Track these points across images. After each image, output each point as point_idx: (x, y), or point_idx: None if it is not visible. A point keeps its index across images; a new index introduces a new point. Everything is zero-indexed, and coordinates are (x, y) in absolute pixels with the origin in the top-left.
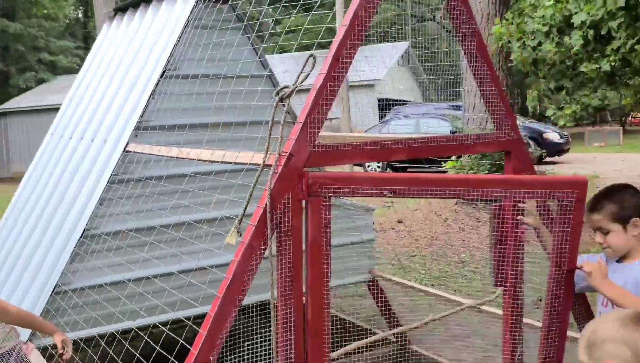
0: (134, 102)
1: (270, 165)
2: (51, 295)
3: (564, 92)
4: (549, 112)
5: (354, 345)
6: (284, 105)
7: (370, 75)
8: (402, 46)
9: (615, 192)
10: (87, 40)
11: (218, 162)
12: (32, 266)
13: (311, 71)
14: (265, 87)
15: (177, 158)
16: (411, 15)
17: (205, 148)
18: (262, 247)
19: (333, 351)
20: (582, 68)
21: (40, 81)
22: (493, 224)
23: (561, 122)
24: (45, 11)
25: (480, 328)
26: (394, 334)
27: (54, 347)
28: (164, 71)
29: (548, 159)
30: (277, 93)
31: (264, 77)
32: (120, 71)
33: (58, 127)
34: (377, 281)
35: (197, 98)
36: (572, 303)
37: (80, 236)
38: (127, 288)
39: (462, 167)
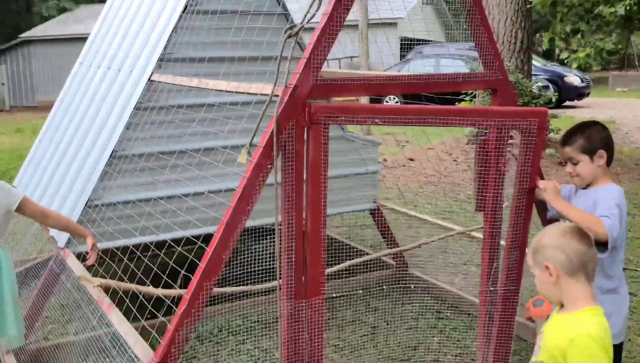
0: (157, 35)
1: (278, 95)
2: (84, 207)
3: (579, 36)
4: (563, 55)
5: (347, 262)
6: (291, 42)
7: (392, 13)
8: None
9: (585, 128)
10: None
11: (233, 92)
12: (67, 182)
13: (317, 11)
14: (278, 24)
15: (196, 88)
16: None
17: (221, 80)
18: (269, 166)
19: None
20: (599, 11)
21: (63, 10)
22: (477, 154)
23: (574, 65)
24: None
25: (476, 257)
26: (393, 258)
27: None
28: (186, 6)
29: (568, 103)
30: (286, 31)
31: (275, 15)
32: (144, 4)
33: (87, 56)
34: (380, 210)
35: (216, 33)
36: (531, 217)
37: (110, 157)
38: (151, 204)
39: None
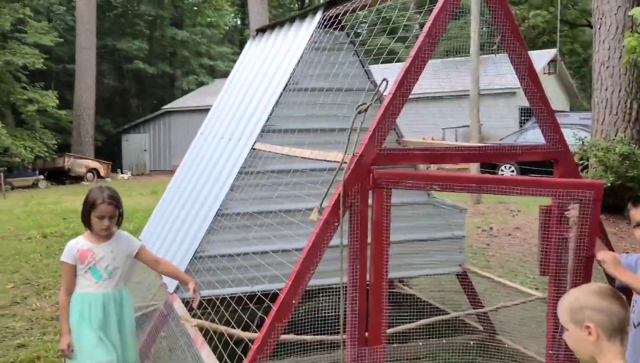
0: (262, 109)
1: (347, 162)
2: (192, 258)
3: None
4: None
5: (425, 320)
6: (361, 117)
7: (510, 83)
8: (549, 53)
9: None
10: (242, 46)
11: (314, 159)
12: (180, 236)
13: (385, 90)
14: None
15: (286, 155)
16: (561, 20)
17: (306, 149)
18: (336, 223)
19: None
20: None
21: (201, 84)
22: (540, 222)
23: None
24: (208, 19)
25: None
26: (481, 323)
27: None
28: (286, 85)
29: None
30: (357, 107)
31: (365, 90)
32: (254, 82)
33: (206, 127)
34: (467, 275)
35: (309, 107)
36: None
37: (215, 215)
38: (249, 258)
39: None
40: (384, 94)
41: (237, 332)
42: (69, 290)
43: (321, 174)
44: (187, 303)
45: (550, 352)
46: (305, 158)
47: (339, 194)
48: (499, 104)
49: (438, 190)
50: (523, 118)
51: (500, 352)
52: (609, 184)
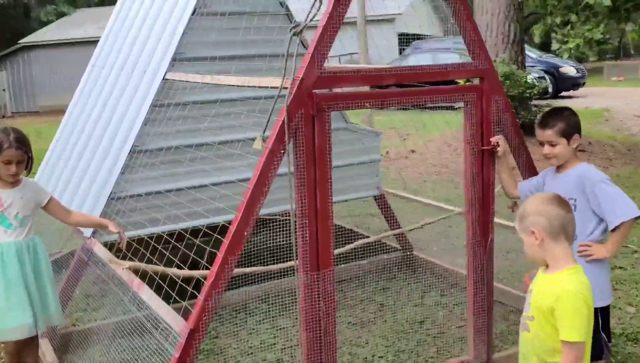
0: (169, 36)
1: (287, 88)
2: (108, 199)
3: (569, 27)
4: (554, 46)
5: (354, 244)
6: (296, 39)
7: (390, 9)
8: None
9: (563, 112)
10: None
11: (244, 87)
12: (87, 178)
13: (318, 10)
14: (283, 24)
15: (211, 84)
16: None
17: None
18: (281, 151)
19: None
20: (587, 2)
21: (61, 15)
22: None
23: (565, 56)
24: None
25: None
26: (398, 242)
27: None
28: (195, 9)
29: (564, 93)
30: (291, 29)
31: (281, 15)
32: (154, 7)
33: (98, 59)
34: (384, 197)
35: (225, 33)
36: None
37: (130, 151)
38: (172, 195)
39: None
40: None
41: (180, 272)
42: None
43: (245, 103)
44: (111, 246)
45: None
46: (232, 86)
47: (283, 121)
48: (382, 31)
49: (369, 107)
50: (402, 46)
51: (419, 266)
52: None
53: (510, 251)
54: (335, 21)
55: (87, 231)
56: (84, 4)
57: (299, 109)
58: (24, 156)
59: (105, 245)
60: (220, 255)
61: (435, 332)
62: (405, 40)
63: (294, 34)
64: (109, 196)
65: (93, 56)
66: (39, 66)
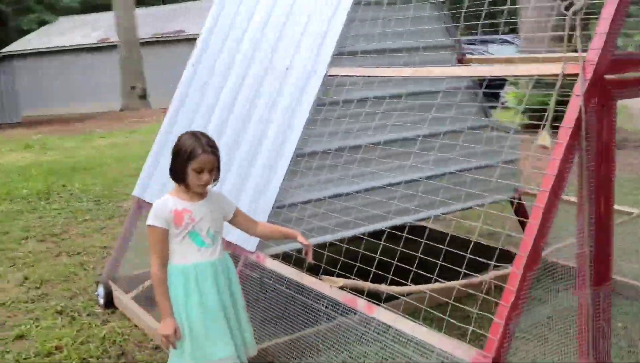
0: (324, 29)
1: (571, 74)
2: (272, 209)
3: None
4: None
5: None
6: (576, 18)
7: None
8: None
9: None
10: None
11: (423, 81)
12: (249, 186)
13: None
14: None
15: (393, 77)
16: None
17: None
18: (577, 147)
19: None
20: None
21: (43, 23)
22: None
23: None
24: None
25: None
26: None
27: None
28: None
29: None
30: (567, 8)
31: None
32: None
33: (201, 58)
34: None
35: (384, 25)
36: None
37: (292, 156)
38: (352, 198)
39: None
40: None
41: (417, 288)
42: (164, 261)
43: (421, 98)
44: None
45: None
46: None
47: (580, 111)
48: None
49: None
50: None
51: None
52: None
53: None
54: None
55: (250, 245)
56: (63, 12)
57: (592, 98)
58: (217, 163)
59: (278, 257)
60: (515, 269)
61: None
62: None
63: (574, 13)
64: (272, 206)
65: (193, 55)
66: (22, 75)
